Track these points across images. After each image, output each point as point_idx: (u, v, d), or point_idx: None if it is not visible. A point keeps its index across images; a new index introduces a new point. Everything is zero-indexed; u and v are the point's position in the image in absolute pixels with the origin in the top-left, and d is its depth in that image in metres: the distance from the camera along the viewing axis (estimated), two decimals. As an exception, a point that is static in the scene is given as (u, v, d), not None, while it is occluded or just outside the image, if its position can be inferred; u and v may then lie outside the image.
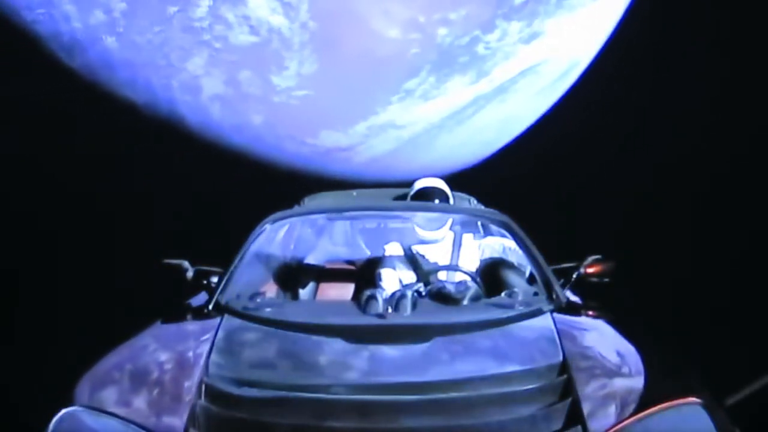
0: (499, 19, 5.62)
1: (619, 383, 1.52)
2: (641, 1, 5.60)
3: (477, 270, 2.56)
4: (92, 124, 5.10)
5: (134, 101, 5.33)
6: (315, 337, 1.71)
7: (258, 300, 1.94)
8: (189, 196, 5.09)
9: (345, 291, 2.67)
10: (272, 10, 5.21)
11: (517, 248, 2.37)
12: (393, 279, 2.52)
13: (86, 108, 5.08)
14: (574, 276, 2.14)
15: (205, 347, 1.68)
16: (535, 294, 2.07)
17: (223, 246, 2.26)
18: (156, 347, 1.73)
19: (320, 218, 2.81)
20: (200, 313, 1.97)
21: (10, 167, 4.83)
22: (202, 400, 1.51)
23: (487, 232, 2.76)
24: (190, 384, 1.53)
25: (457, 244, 2.59)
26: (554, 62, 5.96)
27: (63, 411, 1.49)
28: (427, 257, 2.58)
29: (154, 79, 5.28)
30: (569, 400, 1.48)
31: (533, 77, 5.98)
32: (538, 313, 1.88)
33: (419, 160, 6.05)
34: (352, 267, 2.85)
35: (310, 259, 2.84)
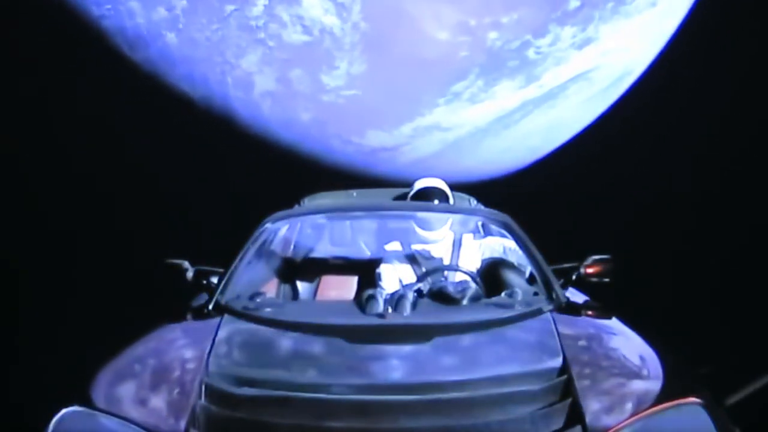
0: (552, 24, 5.56)
1: (619, 383, 1.53)
2: (702, 8, 5.43)
3: (477, 270, 2.56)
4: (149, 118, 5.33)
5: (191, 96, 5.54)
6: (315, 337, 1.72)
7: (258, 300, 1.95)
8: (228, 193, 5.27)
9: (345, 291, 2.66)
10: (325, 10, 5.32)
11: (517, 248, 2.37)
12: (393, 279, 2.53)
13: (145, 102, 5.32)
14: (574, 276, 2.13)
15: (205, 347, 1.68)
16: (535, 294, 2.07)
17: (224, 246, 2.25)
18: (156, 347, 1.75)
19: (320, 218, 2.80)
20: (200, 313, 1.98)
21: (64, 159, 5.08)
22: (202, 400, 1.51)
23: (487, 232, 2.74)
24: (190, 384, 1.53)
25: (457, 244, 2.59)
26: (607, 69, 5.85)
27: (63, 411, 1.49)
28: (427, 257, 2.57)
29: (210, 74, 5.47)
30: (569, 400, 1.49)
31: (584, 84, 5.89)
32: (538, 313, 1.88)
33: (463, 163, 6.05)
34: (352, 267, 2.83)
35: (310, 259, 2.84)
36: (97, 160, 5.21)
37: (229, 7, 5.29)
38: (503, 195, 5.40)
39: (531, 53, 5.64)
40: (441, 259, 2.58)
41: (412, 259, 2.57)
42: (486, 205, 3.10)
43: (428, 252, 2.58)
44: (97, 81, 5.15)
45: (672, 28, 5.65)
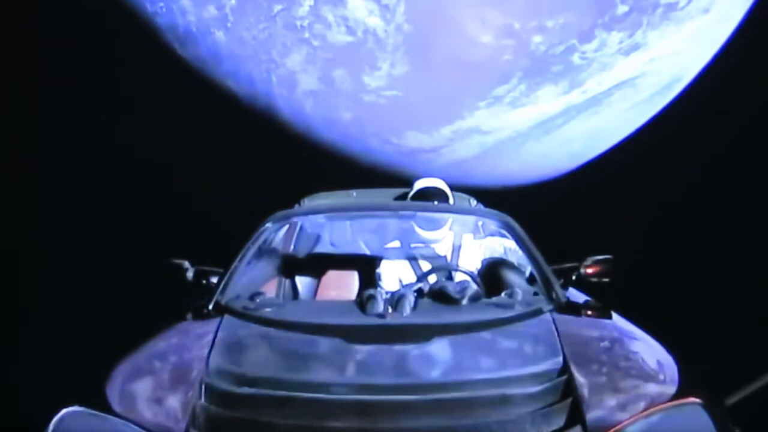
0: (598, 29, 5.47)
1: (619, 383, 1.52)
2: (757, 15, 5.25)
3: (477, 270, 2.54)
4: (195, 115, 5.49)
5: (236, 93, 5.68)
6: (315, 337, 1.71)
7: (258, 300, 1.94)
8: (267, 192, 5.32)
9: (345, 291, 2.67)
10: (370, 11, 5.38)
11: (517, 248, 2.35)
12: (393, 279, 2.53)
13: (193, 98, 5.48)
14: (574, 276, 2.11)
15: (205, 347, 1.68)
16: (535, 294, 2.06)
17: (224, 246, 2.25)
18: (156, 348, 1.74)
19: (320, 218, 2.80)
20: (200, 313, 1.97)
21: (107, 153, 5.23)
22: (202, 400, 1.51)
23: (487, 232, 2.72)
24: (190, 384, 1.53)
25: (457, 244, 2.58)
26: (654, 76, 5.72)
27: (63, 411, 1.48)
28: (427, 257, 2.57)
29: (256, 72, 5.60)
30: (569, 400, 1.48)
31: (629, 90, 5.78)
32: (538, 313, 1.88)
33: (502, 167, 6.02)
34: (351, 267, 2.83)
35: (310, 259, 2.84)
36: (136, 155, 5.34)
37: (277, 7, 5.40)
38: (539, 199, 5.41)
39: (576, 58, 5.56)
40: (441, 259, 2.58)
41: (412, 259, 2.56)
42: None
43: (428, 252, 2.58)
44: (147, 77, 5.32)
45: (725, 35, 5.48)
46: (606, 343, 1.74)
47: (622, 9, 5.35)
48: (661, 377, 1.58)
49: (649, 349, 1.72)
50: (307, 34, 5.42)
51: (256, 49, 5.50)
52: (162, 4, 5.47)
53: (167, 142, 5.36)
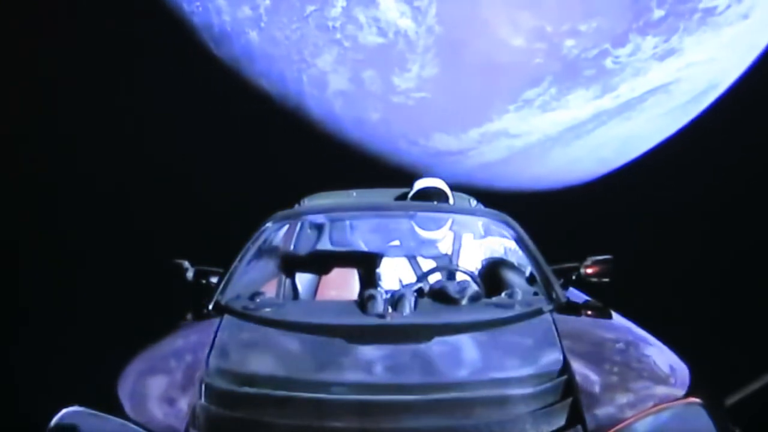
0: (633, 33, 5.39)
1: (619, 383, 1.52)
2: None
3: (477, 270, 2.53)
4: (227, 113, 5.59)
5: (268, 92, 5.78)
6: (315, 337, 1.71)
7: (258, 300, 1.94)
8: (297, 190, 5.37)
9: (345, 291, 2.69)
10: (401, 13, 5.40)
11: (517, 248, 2.34)
12: (393, 279, 2.53)
13: (227, 96, 5.59)
14: (574, 276, 2.11)
15: (205, 347, 1.67)
16: (535, 294, 2.06)
17: (224, 246, 2.25)
18: (156, 348, 1.74)
19: (320, 218, 2.80)
20: (200, 313, 1.98)
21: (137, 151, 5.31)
22: (202, 400, 1.51)
23: (487, 232, 2.70)
24: (190, 384, 1.53)
25: (457, 244, 2.57)
26: (689, 82, 5.61)
27: (63, 411, 1.48)
28: (427, 257, 2.57)
29: (287, 72, 5.69)
30: (569, 400, 1.48)
31: (663, 96, 5.67)
32: (538, 313, 1.87)
33: (530, 171, 5.98)
34: (351, 267, 2.83)
35: (310, 259, 2.83)
36: (159, 154, 5.36)
37: (310, 8, 5.47)
38: (567, 204, 5.36)
39: (609, 63, 5.49)
40: (441, 259, 2.57)
41: (412, 259, 2.56)
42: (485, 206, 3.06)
43: (428, 252, 2.58)
44: (181, 75, 5.44)
45: (764, 41, 5.34)
46: (606, 343, 1.74)
47: (658, 13, 5.26)
48: (662, 377, 1.58)
49: (649, 349, 1.72)
50: (338, 35, 5.48)
51: (289, 49, 5.58)
52: (198, 4, 5.60)
53: (183, 142, 5.41)
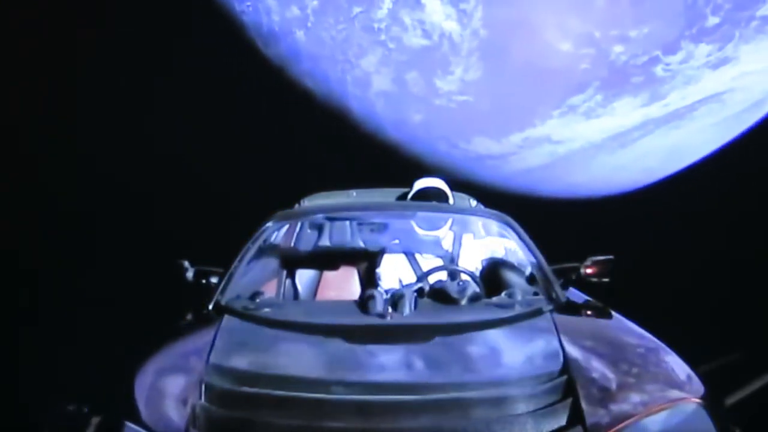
0: (685, 41, 5.24)
1: (619, 383, 1.52)
2: None
3: (477, 270, 2.51)
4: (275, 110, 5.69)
5: (313, 91, 5.87)
6: (315, 337, 1.72)
7: (258, 300, 1.94)
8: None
9: (345, 291, 2.68)
10: (447, 15, 5.41)
11: (517, 248, 2.33)
12: (393, 279, 2.52)
13: (272, 96, 5.70)
14: (574, 276, 2.09)
15: (205, 347, 1.67)
16: (535, 294, 2.04)
17: (223, 246, 2.25)
18: (156, 347, 1.73)
19: (320, 218, 2.79)
20: (200, 313, 1.97)
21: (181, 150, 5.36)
22: (202, 400, 1.50)
23: (488, 232, 2.68)
24: (190, 384, 1.53)
25: (457, 244, 2.55)
26: (744, 92, 5.41)
27: (63, 411, 1.49)
28: (427, 257, 2.54)
29: (331, 72, 5.77)
30: (569, 400, 1.47)
31: (715, 106, 5.49)
32: (538, 313, 1.87)
33: (572, 178, 5.89)
34: (351, 267, 2.83)
35: (310, 259, 2.82)
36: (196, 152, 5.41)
37: (356, 9, 5.54)
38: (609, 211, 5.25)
39: (659, 70, 5.35)
40: (441, 259, 2.56)
41: (412, 259, 2.55)
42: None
43: (428, 252, 2.56)
44: (228, 73, 5.58)
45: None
46: (606, 343, 1.73)
47: (712, 21, 5.10)
48: (662, 377, 1.57)
49: (649, 349, 1.71)
50: (383, 36, 5.53)
51: (334, 50, 5.66)
52: (249, 3, 5.74)
53: (234, 140, 5.49)
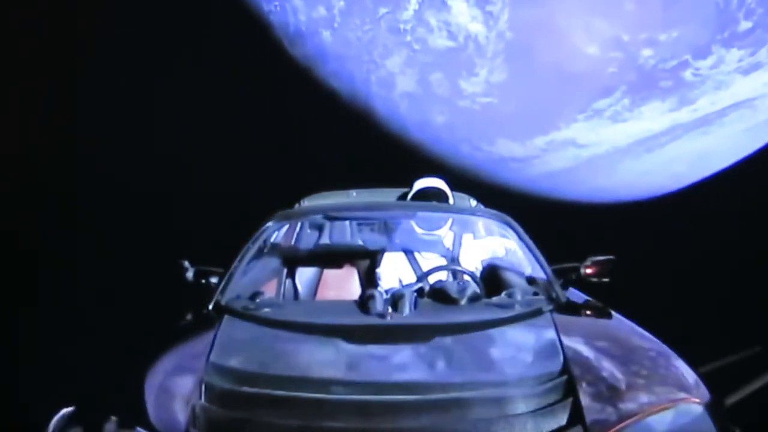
0: (716, 45, 5.15)
1: (619, 383, 1.51)
2: None
3: (477, 270, 2.50)
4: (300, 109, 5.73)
5: (338, 91, 5.91)
6: (315, 337, 1.72)
7: (258, 300, 1.94)
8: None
9: (345, 291, 2.68)
10: (473, 17, 5.40)
11: (518, 248, 2.32)
12: (393, 279, 2.51)
13: (299, 96, 5.73)
14: (574, 276, 2.08)
15: (205, 347, 1.67)
16: (535, 294, 2.04)
17: (223, 246, 2.24)
18: (156, 348, 1.73)
19: (320, 218, 2.79)
20: (200, 314, 1.97)
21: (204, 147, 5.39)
22: (202, 400, 1.50)
23: (488, 232, 2.66)
24: (190, 384, 1.53)
25: (457, 244, 2.54)
26: (776, 98, 5.30)
27: (63, 411, 1.48)
28: (426, 257, 2.53)
29: (357, 72, 5.79)
30: (570, 400, 1.47)
31: (746, 112, 5.39)
32: (538, 313, 1.87)
33: (596, 182, 5.82)
34: (351, 267, 2.83)
35: (310, 259, 2.81)
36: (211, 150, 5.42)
37: (382, 10, 5.56)
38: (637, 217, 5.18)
39: (688, 75, 5.27)
40: (441, 259, 2.54)
41: (412, 259, 2.54)
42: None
43: (428, 252, 2.55)
44: (256, 73, 5.63)
45: None
46: (606, 343, 1.72)
47: (744, 25, 5.01)
48: (662, 377, 1.56)
49: (649, 349, 1.70)
50: (408, 38, 5.54)
51: (359, 50, 5.69)
52: (277, 3, 5.80)
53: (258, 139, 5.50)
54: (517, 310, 1.87)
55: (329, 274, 2.81)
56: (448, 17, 5.43)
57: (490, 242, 2.62)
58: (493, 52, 5.41)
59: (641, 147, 5.68)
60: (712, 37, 5.10)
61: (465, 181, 5.62)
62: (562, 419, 1.44)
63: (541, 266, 2.15)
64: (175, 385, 1.55)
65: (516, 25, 5.31)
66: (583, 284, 2.17)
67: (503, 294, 1.99)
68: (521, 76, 5.46)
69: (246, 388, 1.53)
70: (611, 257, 2.14)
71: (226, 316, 1.89)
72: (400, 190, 2.93)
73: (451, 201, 2.68)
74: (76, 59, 5.31)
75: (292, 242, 2.84)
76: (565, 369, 1.56)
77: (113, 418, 1.44)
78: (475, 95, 5.56)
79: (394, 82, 5.75)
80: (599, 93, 5.47)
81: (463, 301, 1.95)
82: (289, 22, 5.81)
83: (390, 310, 1.83)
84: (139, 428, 1.42)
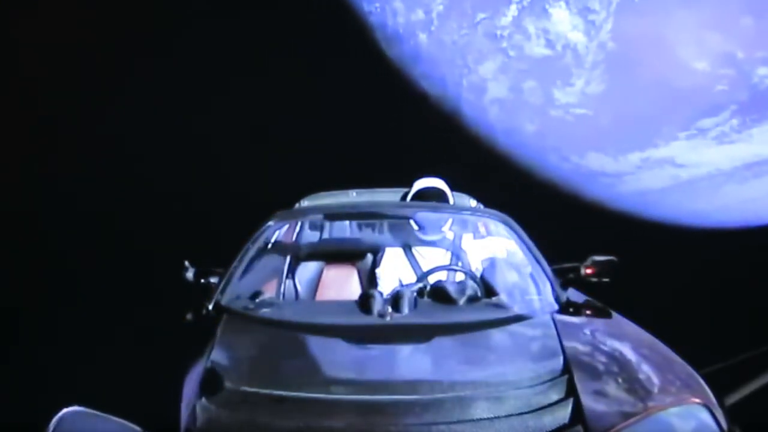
0: (843, 66, 4.73)
1: (620, 383, 1.51)
2: None
3: (477, 270, 2.45)
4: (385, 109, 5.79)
5: (428, 93, 5.93)
6: (315, 337, 1.72)
7: (258, 300, 1.94)
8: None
9: (345, 291, 2.66)
10: (574, 26, 5.27)
11: (518, 248, 2.27)
12: (393, 279, 2.47)
13: (391, 96, 5.78)
14: (575, 276, 2.04)
15: (205, 347, 1.67)
16: (535, 294, 2.04)
17: (223, 246, 2.23)
18: (155, 347, 1.74)
19: (320, 218, 2.79)
20: (200, 313, 1.97)
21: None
22: (202, 400, 1.50)
23: (488, 232, 2.60)
24: (190, 384, 1.53)
25: (457, 244, 2.50)
26: None
27: (63, 411, 1.46)
28: (426, 257, 2.49)
29: (449, 76, 5.80)
30: (570, 400, 1.47)
31: None
32: (538, 313, 1.87)
33: (695, 205, 5.47)
34: (351, 267, 2.81)
35: (310, 259, 2.81)
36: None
37: (481, 15, 5.55)
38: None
39: (808, 97, 4.87)
40: (441, 259, 2.50)
41: (412, 259, 2.51)
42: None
43: (428, 252, 2.51)
44: (346, 73, 5.72)
45: None
46: (606, 343, 1.73)
47: None
48: (663, 377, 1.55)
49: (650, 349, 1.70)
50: (504, 44, 5.49)
51: (453, 54, 5.70)
52: (377, 4, 5.92)
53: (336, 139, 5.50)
54: (517, 310, 1.88)
55: (329, 274, 2.82)
56: (548, 25, 5.33)
57: (490, 242, 2.60)
58: (592, 63, 5.25)
59: (748, 171, 5.30)
60: (840, 57, 4.69)
61: (548, 192, 5.48)
62: (563, 419, 1.44)
63: (541, 266, 2.15)
64: (175, 385, 1.55)
65: (619, 36, 5.13)
66: (583, 284, 2.17)
67: (503, 294, 2.03)
68: (620, 88, 5.25)
69: (246, 388, 1.53)
70: (612, 257, 2.12)
71: (226, 316, 1.90)
72: (400, 190, 2.91)
73: (451, 201, 2.66)
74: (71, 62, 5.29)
75: (292, 242, 2.85)
76: (566, 369, 1.57)
77: (112, 418, 1.45)
78: (569, 105, 5.41)
79: (486, 88, 5.70)
80: (705, 111, 5.17)
81: (463, 301, 1.96)
82: (387, 24, 5.91)
83: (390, 310, 1.84)
84: (138, 428, 1.43)
